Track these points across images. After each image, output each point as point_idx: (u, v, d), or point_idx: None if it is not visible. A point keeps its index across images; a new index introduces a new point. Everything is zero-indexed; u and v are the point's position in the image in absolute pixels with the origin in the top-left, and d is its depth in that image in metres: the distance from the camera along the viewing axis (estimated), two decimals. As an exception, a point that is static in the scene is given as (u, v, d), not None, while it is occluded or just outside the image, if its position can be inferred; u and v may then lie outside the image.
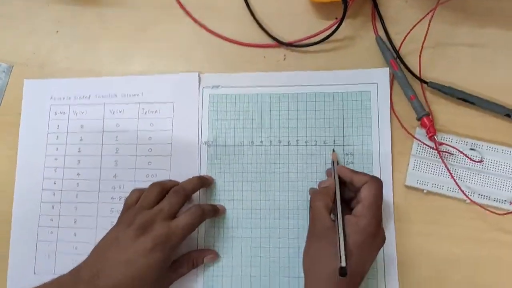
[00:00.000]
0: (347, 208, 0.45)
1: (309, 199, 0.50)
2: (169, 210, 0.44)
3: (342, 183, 0.46)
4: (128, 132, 0.53)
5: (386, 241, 0.47)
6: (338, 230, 0.41)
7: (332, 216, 0.43)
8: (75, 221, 0.52)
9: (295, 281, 0.48)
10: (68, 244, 0.51)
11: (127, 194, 0.48)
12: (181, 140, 0.53)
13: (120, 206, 0.48)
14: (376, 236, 0.42)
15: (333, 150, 0.50)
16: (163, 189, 0.46)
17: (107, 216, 0.51)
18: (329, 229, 0.42)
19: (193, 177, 0.49)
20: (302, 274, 0.44)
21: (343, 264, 0.38)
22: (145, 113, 0.54)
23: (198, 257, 0.48)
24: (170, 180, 0.49)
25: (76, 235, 0.52)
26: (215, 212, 0.49)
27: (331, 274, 0.40)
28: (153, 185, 0.47)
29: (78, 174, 0.53)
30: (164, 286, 0.46)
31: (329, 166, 0.51)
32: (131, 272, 0.41)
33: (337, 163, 0.49)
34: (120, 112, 0.54)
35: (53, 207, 0.52)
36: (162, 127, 0.53)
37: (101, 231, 0.45)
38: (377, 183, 0.43)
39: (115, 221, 0.46)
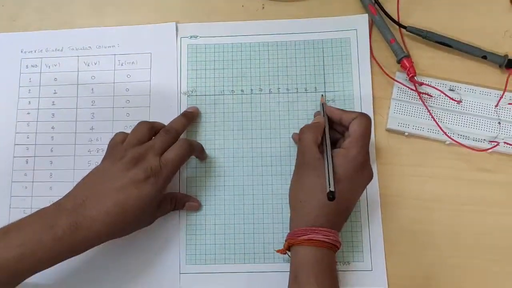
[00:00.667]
0: (334, 148, 0.45)
1: (291, 145, 0.50)
2: (161, 147, 0.43)
3: (330, 125, 0.46)
4: (104, 84, 0.52)
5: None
6: (327, 158, 0.41)
7: (320, 149, 0.43)
8: (51, 175, 0.50)
9: (279, 227, 0.48)
10: (44, 199, 0.49)
11: (105, 147, 0.46)
12: (160, 90, 0.51)
13: (98, 158, 0.46)
14: (364, 168, 0.42)
15: (322, 95, 0.50)
16: (153, 128, 0.45)
17: (85, 169, 0.50)
18: (317, 160, 0.42)
19: (178, 117, 0.48)
20: (287, 221, 0.44)
21: (332, 188, 0.38)
22: (122, 65, 0.52)
23: (181, 200, 0.47)
24: (159, 122, 0.48)
25: (52, 189, 0.50)
26: (202, 150, 0.48)
27: (319, 203, 0.40)
28: (142, 122, 0.46)
29: (53, 128, 0.51)
30: (147, 222, 0.45)
31: (310, 112, 0.50)
32: (122, 200, 0.40)
33: (326, 105, 0.48)
34: (95, 64, 0.52)
35: (27, 162, 0.50)
36: (139, 78, 0.52)
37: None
38: (366, 118, 0.43)
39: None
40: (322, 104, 0.48)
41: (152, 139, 0.45)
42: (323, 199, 0.39)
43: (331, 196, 0.38)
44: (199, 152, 0.48)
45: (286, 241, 0.42)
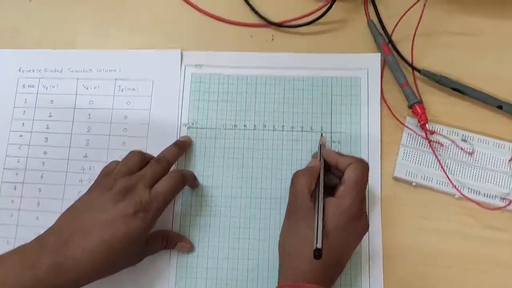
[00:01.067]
0: (331, 194, 0.42)
1: (293, 187, 0.47)
2: (152, 177, 0.41)
3: (328, 168, 0.43)
4: (102, 109, 0.50)
5: (371, 234, 0.45)
6: (318, 209, 0.38)
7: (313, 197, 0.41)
8: (38, 204, 0.48)
9: (274, 275, 0.45)
10: (30, 229, 0.47)
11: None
12: (159, 120, 0.49)
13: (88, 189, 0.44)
14: (358, 220, 0.39)
15: (322, 135, 0.48)
16: (144, 157, 0.43)
17: (74, 199, 0.46)
18: (309, 209, 0.39)
19: (170, 146, 0.46)
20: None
21: (319, 245, 0.36)
22: (122, 90, 0.50)
23: (173, 239, 0.45)
24: (149, 153, 0.46)
25: (39, 219, 0.47)
26: (195, 180, 0.46)
27: (307, 257, 0.37)
28: (134, 152, 0.44)
29: (45, 153, 0.49)
30: (135, 260, 0.42)
31: (315, 152, 0.48)
32: (109, 236, 0.37)
33: (325, 147, 0.46)
34: (94, 88, 0.50)
35: (15, 188, 0.48)
36: (139, 106, 0.50)
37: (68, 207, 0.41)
38: (362, 164, 0.41)
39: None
40: (320, 145, 0.46)
41: (143, 169, 0.43)
42: (311, 255, 0.36)
43: (317, 253, 0.35)
44: (191, 180, 0.46)
45: None
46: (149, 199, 0.40)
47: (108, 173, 0.42)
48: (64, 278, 0.36)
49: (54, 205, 0.48)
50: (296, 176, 0.42)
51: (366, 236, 0.45)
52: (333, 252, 0.38)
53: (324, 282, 0.38)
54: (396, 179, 0.47)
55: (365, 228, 0.41)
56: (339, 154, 0.43)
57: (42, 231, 0.46)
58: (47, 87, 0.51)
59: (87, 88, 0.50)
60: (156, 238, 0.44)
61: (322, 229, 0.37)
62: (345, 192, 0.39)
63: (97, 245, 0.37)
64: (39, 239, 0.38)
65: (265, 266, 0.45)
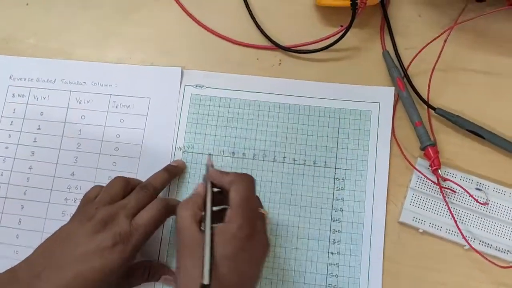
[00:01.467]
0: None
1: (290, 224, 0.44)
2: (135, 207, 0.38)
3: (221, 191, 0.39)
4: (94, 126, 0.47)
5: (370, 282, 0.42)
6: (205, 242, 0.34)
7: (202, 226, 0.36)
8: (20, 222, 0.45)
9: (264, 318, 0.42)
10: (8, 247, 0.44)
11: (83, 197, 0.41)
12: (153, 141, 0.46)
13: (73, 210, 0.41)
14: (252, 240, 0.35)
15: (209, 154, 0.44)
16: (128, 184, 0.41)
17: (58, 219, 0.45)
18: (195, 242, 0.35)
19: (159, 171, 0.43)
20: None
21: (205, 281, 0.32)
22: (116, 107, 0.47)
23: (157, 270, 0.42)
24: (136, 179, 0.43)
25: (19, 238, 0.45)
26: None
27: None
28: (117, 178, 0.41)
29: (30, 168, 0.46)
30: None
31: (316, 189, 0.45)
32: (83, 271, 0.35)
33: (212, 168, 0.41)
34: (87, 102, 0.48)
35: (-4, 203, 0.45)
36: (133, 124, 0.47)
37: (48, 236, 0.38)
38: (244, 181, 0.37)
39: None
40: (207, 166, 0.41)
41: (127, 197, 0.40)
42: None
43: None
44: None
45: None
46: (129, 230, 0.37)
47: (90, 200, 0.40)
48: None
49: (36, 223, 0.45)
50: (178, 209, 0.37)
51: (364, 282, 0.42)
52: (228, 282, 0.34)
53: None
54: (402, 224, 0.44)
55: (265, 247, 0.37)
56: (222, 173, 0.38)
57: (21, 250, 0.45)
58: (38, 98, 0.48)
59: (79, 102, 0.47)
60: (137, 269, 0.41)
61: (211, 260, 0.33)
62: (231, 216, 0.35)
63: (71, 281, 0.35)
64: (12, 271, 0.36)
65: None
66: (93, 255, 0.36)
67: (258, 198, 0.41)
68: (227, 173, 0.38)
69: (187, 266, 0.35)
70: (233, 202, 0.36)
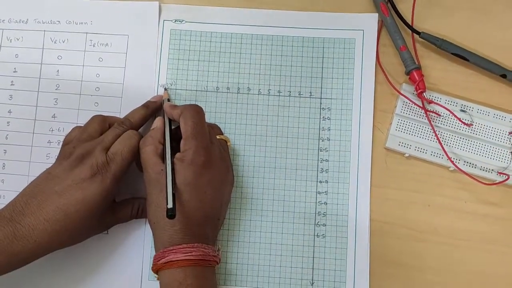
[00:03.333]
0: None
1: (278, 156, 0.44)
2: (111, 141, 0.39)
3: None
4: (72, 66, 0.45)
5: (359, 206, 0.43)
6: (166, 170, 0.36)
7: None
8: (4, 166, 0.44)
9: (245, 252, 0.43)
10: (-6, 192, 0.44)
11: (68, 138, 0.41)
12: (135, 80, 0.45)
13: (58, 151, 0.40)
14: (208, 167, 0.38)
15: (165, 89, 0.45)
16: (105, 121, 0.41)
17: (42, 162, 0.44)
18: (159, 174, 0.37)
19: (138, 107, 0.43)
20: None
21: (169, 205, 0.34)
22: (94, 46, 0.46)
23: (143, 207, 0.42)
24: (114, 116, 0.43)
25: (4, 183, 0.44)
26: None
27: (167, 221, 0.36)
28: (94, 116, 0.41)
29: (10, 112, 0.45)
30: (99, 228, 0.40)
31: (302, 120, 0.45)
32: (64, 205, 0.36)
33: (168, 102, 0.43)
34: (63, 41, 0.46)
35: (-24, 149, 0.44)
36: (113, 63, 0.45)
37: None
38: (191, 111, 0.39)
39: (51, 168, 0.39)
40: (163, 101, 0.43)
41: (105, 133, 0.40)
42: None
43: (169, 213, 0.34)
44: None
45: (152, 269, 0.38)
46: (105, 160, 0.38)
47: (69, 141, 0.40)
48: (20, 246, 0.35)
49: (21, 167, 0.44)
50: (140, 144, 0.39)
51: (353, 208, 0.43)
52: (192, 207, 0.37)
53: (195, 239, 0.37)
54: (388, 149, 0.44)
55: (225, 172, 0.40)
56: (172, 106, 0.41)
57: (7, 195, 0.44)
58: (11, 40, 0.46)
59: (55, 42, 0.46)
60: (123, 206, 0.41)
61: (174, 188, 0.35)
62: (185, 145, 0.38)
63: (52, 213, 0.35)
64: None
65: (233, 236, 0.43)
66: (71, 188, 0.36)
67: (216, 126, 0.44)
68: (176, 106, 0.40)
69: (153, 196, 0.37)
70: (184, 131, 0.38)
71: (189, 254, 0.36)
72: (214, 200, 0.38)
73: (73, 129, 0.41)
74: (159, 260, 0.36)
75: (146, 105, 0.43)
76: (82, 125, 0.41)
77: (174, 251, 0.36)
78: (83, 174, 0.37)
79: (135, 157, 0.39)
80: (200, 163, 0.37)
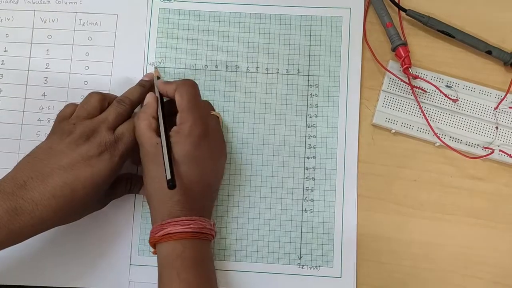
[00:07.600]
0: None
1: (266, 132, 0.45)
2: (115, 119, 0.39)
3: (170, 100, 0.41)
4: (62, 45, 0.46)
5: (346, 182, 0.43)
6: (162, 143, 0.37)
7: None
8: (-6, 143, 0.45)
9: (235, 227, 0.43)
10: (-15, 170, 0.44)
11: (57, 117, 0.41)
12: (124, 58, 0.46)
13: (48, 129, 0.40)
14: (205, 139, 0.38)
15: (155, 67, 0.45)
16: (105, 99, 0.40)
17: (33, 140, 0.44)
18: (155, 147, 0.37)
19: (134, 86, 0.43)
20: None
21: (168, 176, 0.34)
22: (83, 25, 0.46)
23: (137, 182, 0.42)
24: (112, 94, 0.43)
25: (-6, 159, 0.44)
26: None
27: (166, 193, 0.36)
28: (93, 93, 0.41)
29: (0, 90, 0.45)
30: (99, 206, 0.41)
31: (290, 97, 0.45)
32: (71, 180, 0.35)
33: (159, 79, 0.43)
34: (53, 21, 0.46)
35: (-33, 127, 0.45)
36: (102, 42, 0.46)
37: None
38: (186, 85, 0.39)
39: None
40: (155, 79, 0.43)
41: (105, 111, 0.40)
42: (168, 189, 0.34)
43: (170, 184, 0.34)
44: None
45: (149, 242, 0.38)
46: (113, 139, 0.38)
47: (65, 118, 0.40)
48: (22, 222, 0.34)
49: (11, 145, 0.45)
50: (135, 121, 0.39)
51: (340, 183, 0.43)
52: (190, 179, 0.37)
53: (193, 212, 0.37)
54: (375, 126, 0.45)
55: (221, 145, 0.41)
56: (166, 83, 0.41)
57: None
58: (1, 20, 0.46)
59: (44, 22, 0.46)
60: (120, 181, 0.42)
61: (171, 160, 0.36)
62: (182, 119, 0.38)
63: (59, 189, 0.35)
64: None
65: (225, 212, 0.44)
66: (79, 163, 0.36)
67: (208, 102, 0.44)
68: (170, 82, 0.41)
69: (150, 171, 0.37)
70: (179, 105, 0.38)
71: (187, 226, 0.36)
72: (212, 170, 0.39)
73: (67, 105, 0.41)
74: (157, 233, 0.36)
75: (141, 84, 0.43)
76: (76, 103, 0.41)
77: (172, 223, 0.36)
78: (91, 152, 0.36)
79: None
80: (198, 133, 0.38)
